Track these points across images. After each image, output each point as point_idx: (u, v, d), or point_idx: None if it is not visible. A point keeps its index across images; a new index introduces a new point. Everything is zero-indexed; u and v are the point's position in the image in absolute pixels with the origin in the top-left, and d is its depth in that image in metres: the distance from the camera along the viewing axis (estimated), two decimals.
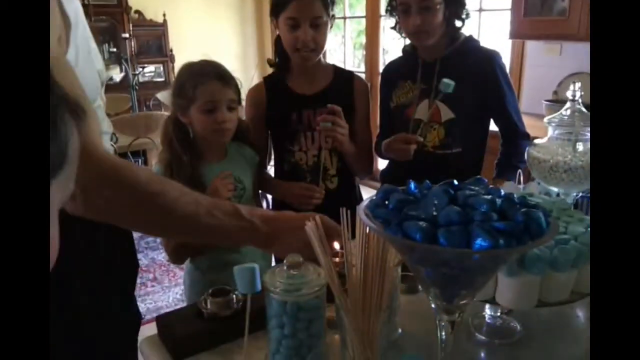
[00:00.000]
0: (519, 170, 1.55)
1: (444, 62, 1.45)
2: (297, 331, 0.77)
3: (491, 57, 1.48)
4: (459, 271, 0.55)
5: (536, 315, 0.93)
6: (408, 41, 1.54)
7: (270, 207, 1.63)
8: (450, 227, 0.51)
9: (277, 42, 1.43)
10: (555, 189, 1.22)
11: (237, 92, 1.34)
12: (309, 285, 0.76)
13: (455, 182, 0.60)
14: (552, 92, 3.10)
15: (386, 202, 0.59)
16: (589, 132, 1.14)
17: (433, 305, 0.61)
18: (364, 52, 4.60)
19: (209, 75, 1.28)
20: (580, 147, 1.18)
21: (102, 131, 1.08)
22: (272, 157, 1.57)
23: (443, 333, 0.61)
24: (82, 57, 0.99)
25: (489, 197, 0.56)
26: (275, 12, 1.36)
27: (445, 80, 1.34)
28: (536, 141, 1.24)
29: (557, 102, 2.85)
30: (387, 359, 0.79)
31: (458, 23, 1.44)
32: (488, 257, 0.51)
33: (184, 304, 1.52)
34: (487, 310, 0.91)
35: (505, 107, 1.52)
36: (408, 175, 1.45)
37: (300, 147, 1.44)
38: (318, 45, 1.35)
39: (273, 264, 1.57)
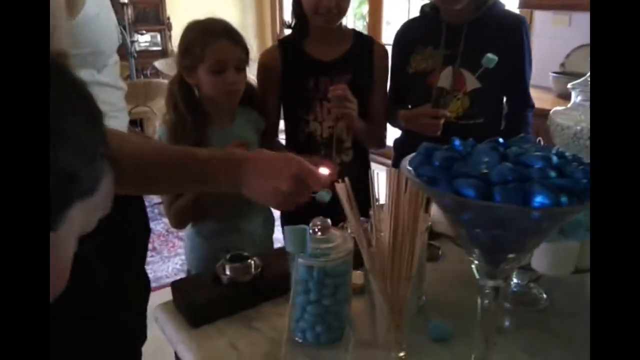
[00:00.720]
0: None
1: (471, 28, 1.38)
2: (322, 297, 0.74)
3: (519, 23, 1.42)
4: (512, 232, 0.51)
5: (563, 285, 0.91)
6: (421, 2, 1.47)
7: None
8: (506, 185, 0.47)
9: (296, 2, 1.35)
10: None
11: (246, 51, 1.27)
12: (336, 250, 0.73)
13: (501, 140, 0.56)
14: (559, 65, 3.04)
15: (430, 160, 0.55)
16: None
17: (476, 271, 0.58)
18: (366, 23, 4.50)
19: (217, 34, 1.21)
20: None
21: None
22: (283, 127, 1.51)
23: (486, 300, 0.58)
24: (103, 10, 0.96)
25: (543, 154, 0.52)
26: None
27: (490, 55, 1.27)
28: (557, 108, 1.20)
29: (565, 74, 2.80)
30: (414, 326, 0.77)
31: None
32: (547, 216, 0.48)
33: (184, 275, 1.48)
34: (514, 279, 0.89)
35: (523, 77, 1.47)
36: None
37: (315, 116, 1.37)
38: (341, 9, 1.28)
39: (277, 227, 1.53)
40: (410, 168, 0.55)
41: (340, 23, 1.35)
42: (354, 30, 1.43)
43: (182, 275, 2.22)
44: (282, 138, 1.53)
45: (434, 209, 0.85)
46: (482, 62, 1.31)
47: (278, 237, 1.46)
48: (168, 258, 2.95)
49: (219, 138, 1.28)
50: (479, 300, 0.60)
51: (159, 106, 2.96)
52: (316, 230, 0.74)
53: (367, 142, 1.46)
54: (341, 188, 0.70)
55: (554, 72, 2.92)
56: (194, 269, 1.35)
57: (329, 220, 0.75)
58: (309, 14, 1.30)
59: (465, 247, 0.57)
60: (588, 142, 1.11)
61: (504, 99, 1.53)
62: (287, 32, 1.45)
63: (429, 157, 0.56)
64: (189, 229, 1.36)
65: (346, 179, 0.71)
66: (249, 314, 0.84)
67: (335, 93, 1.26)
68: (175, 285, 0.88)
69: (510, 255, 0.55)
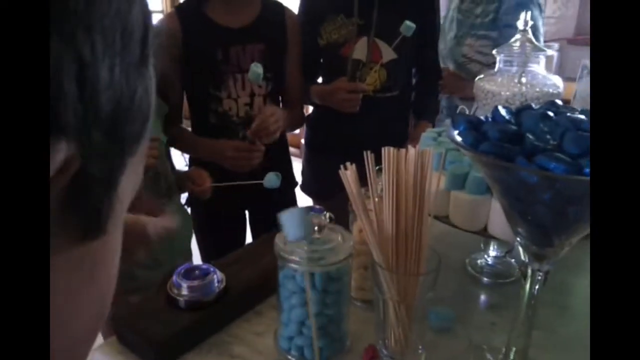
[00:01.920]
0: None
1: None
2: (324, 307, 0.62)
3: None
4: (585, 206, 0.45)
5: None
6: None
7: (188, 165, 1.38)
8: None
9: None
10: None
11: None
12: (337, 250, 0.62)
13: (553, 104, 0.50)
14: None
15: (481, 135, 0.47)
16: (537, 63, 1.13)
17: (523, 254, 0.52)
18: None
19: None
20: (524, 79, 1.16)
21: None
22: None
23: (537, 286, 0.52)
24: None
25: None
26: None
27: (408, 22, 1.22)
28: (482, 75, 1.20)
29: None
30: (416, 312, 0.69)
31: None
32: None
33: None
34: (491, 252, 0.86)
35: (434, 44, 1.47)
36: (339, 119, 1.35)
37: (228, 93, 1.20)
38: None
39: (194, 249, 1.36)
40: (466, 145, 0.45)
41: None
42: None
43: None
44: (187, 125, 1.34)
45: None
46: (400, 30, 1.26)
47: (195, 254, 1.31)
48: None
49: None
50: (527, 287, 0.53)
51: None
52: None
53: (290, 128, 1.34)
54: (348, 175, 0.59)
55: None
56: None
57: (324, 217, 0.64)
58: None
59: (519, 227, 0.50)
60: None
61: (413, 70, 1.52)
62: None
63: (476, 131, 0.48)
64: None
65: (352, 165, 0.59)
66: (222, 339, 0.70)
67: (256, 132, 1.14)
68: (119, 317, 0.69)
69: (568, 234, 0.49)
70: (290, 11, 1.30)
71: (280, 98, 1.32)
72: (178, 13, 1.19)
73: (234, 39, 1.17)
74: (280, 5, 1.29)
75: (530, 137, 0.44)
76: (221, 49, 1.17)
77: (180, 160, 1.35)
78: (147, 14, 0.22)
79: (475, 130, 0.48)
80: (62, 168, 0.17)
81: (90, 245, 0.21)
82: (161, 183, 1.12)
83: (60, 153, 0.17)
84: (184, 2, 1.22)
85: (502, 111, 0.49)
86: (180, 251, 1.18)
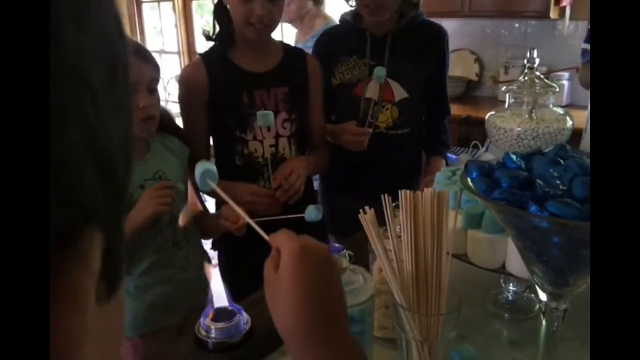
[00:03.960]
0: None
1: (395, 37, 1.37)
2: None
3: (442, 33, 1.45)
4: None
5: None
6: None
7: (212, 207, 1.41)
8: None
9: (218, 10, 1.22)
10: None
11: (157, 69, 1.11)
12: (359, 292, 0.64)
13: (562, 149, 0.53)
14: None
15: (494, 182, 0.49)
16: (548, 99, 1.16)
17: (542, 294, 0.54)
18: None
19: None
20: (534, 114, 1.19)
21: None
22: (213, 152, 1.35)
23: (556, 324, 0.54)
24: None
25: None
26: None
27: (378, 69, 1.30)
28: (492, 112, 1.24)
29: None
30: (438, 351, 0.71)
31: None
32: None
33: None
34: (511, 287, 0.87)
35: (444, 85, 1.51)
36: (354, 156, 1.39)
37: (254, 135, 1.24)
38: (273, 21, 1.18)
39: (212, 273, 1.39)
40: (479, 192, 0.48)
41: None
42: (281, 42, 1.33)
43: None
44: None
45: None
46: (372, 77, 1.33)
47: (216, 288, 1.33)
48: None
49: (135, 176, 1.09)
50: (544, 324, 0.55)
51: None
52: None
53: (317, 171, 1.38)
54: (368, 218, 0.61)
55: None
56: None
57: (344, 260, 0.66)
58: (238, 25, 1.17)
59: (535, 268, 0.52)
60: (532, 142, 1.15)
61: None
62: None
63: (488, 177, 0.50)
64: None
65: (370, 209, 0.62)
66: None
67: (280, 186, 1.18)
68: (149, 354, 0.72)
69: (584, 274, 0.51)
70: (311, 57, 1.35)
71: (304, 139, 1.36)
72: (204, 61, 1.25)
73: (258, 83, 1.22)
74: (302, 51, 1.36)
75: (541, 183, 0.47)
76: (246, 93, 1.21)
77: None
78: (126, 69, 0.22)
79: (487, 176, 0.51)
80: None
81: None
82: (177, 227, 1.15)
83: (99, 242, 0.18)
84: (209, 49, 1.28)
85: (513, 156, 0.52)
86: (194, 296, 1.19)
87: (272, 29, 1.21)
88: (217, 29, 1.24)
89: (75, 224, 0.16)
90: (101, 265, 0.19)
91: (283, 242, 0.51)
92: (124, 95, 0.20)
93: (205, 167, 0.74)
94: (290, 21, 2.13)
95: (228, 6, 1.18)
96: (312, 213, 1.05)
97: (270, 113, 1.16)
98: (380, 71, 1.32)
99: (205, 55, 1.27)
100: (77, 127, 0.16)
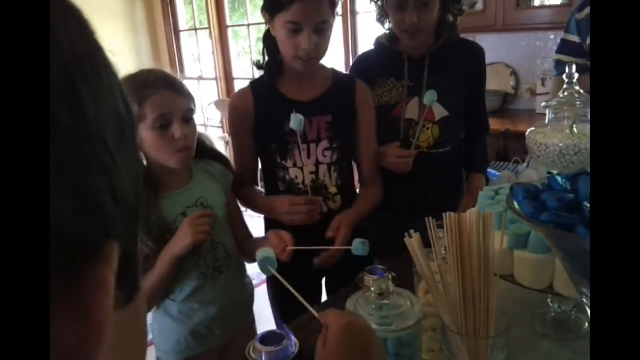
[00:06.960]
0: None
1: (434, 58, 1.38)
2: None
3: (479, 51, 1.46)
4: None
5: None
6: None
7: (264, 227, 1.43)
8: None
9: (267, 40, 1.23)
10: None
11: (192, 99, 1.12)
12: (406, 316, 0.65)
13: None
14: None
15: (541, 205, 0.50)
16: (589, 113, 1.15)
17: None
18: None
19: (156, 85, 1.05)
20: (575, 129, 1.18)
21: None
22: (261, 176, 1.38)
23: None
24: None
25: None
26: (271, 9, 1.16)
27: (430, 92, 1.30)
28: (533, 128, 1.23)
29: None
30: None
31: (450, 18, 1.39)
32: None
33: None
34: (558, 307, 0.86)
35: (484, 102, 1.51)
36: (396, 177, 1.39)
37: (294, 162, 1.26)
38: (320, 52, 1.18)
39: (257, 295, 1.41)
40: (527, 217, 0.49)
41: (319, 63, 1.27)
42: (332, 69, 1.33)
43: None
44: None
45: None
46: (423, 101, 1.33)
47: (258, 308, 1.34)
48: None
49: (177, 205, 1.12)
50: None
51: None
52: (377, 295, 0.66)
53: (369, 214, 1.35)
54: (414, 242, 0.63)
55: None
56: (164, 355, 1.19)
57: (390, 284, 0.67)
58: (286, 57, 1.20)
59: (581, 291, 0.52)
60: (574, 158, 1.13)
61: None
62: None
63: (535, 200, 0.51)
64: (155, 312, 1.19)
65: (416, 233, 0.63)
66: None
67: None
68: None
69: None
70: (362, 84, 1.34)
71: (348, 166, 1.36)
72: (252, 89, 1.28)
73: (301, 112, 1.22)
74: (352, 78, 1.35)
75: (588, 205, 0.47)
76: (288, 121, 1.21)
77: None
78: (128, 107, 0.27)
79: (533, 199, 0.51)
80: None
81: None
82: (218, 252, 1.18)
83: (117, 249, 0.23)
84: (258, 78, 1.32)
85: (558, 178, 0.52)
86: (236, 321, 1.21)
87: (319, 60, 1.22)
88: (267, 58, 1.26)
89: (100, 235, 0.22)
90: (118, 270, 0.24)
91: (330, 321, 0.58)
92: (131, 146, 0.27)
93: (265, 255, 0.83)
94: None
95: (277, 37, 1.19)
96: (359, 249, 1.06)
97: (301, 117, 1.17)
98: (432, 95, 1.31)
99: (253, 84, 1.30)
100: (99, 171, 0.22)
